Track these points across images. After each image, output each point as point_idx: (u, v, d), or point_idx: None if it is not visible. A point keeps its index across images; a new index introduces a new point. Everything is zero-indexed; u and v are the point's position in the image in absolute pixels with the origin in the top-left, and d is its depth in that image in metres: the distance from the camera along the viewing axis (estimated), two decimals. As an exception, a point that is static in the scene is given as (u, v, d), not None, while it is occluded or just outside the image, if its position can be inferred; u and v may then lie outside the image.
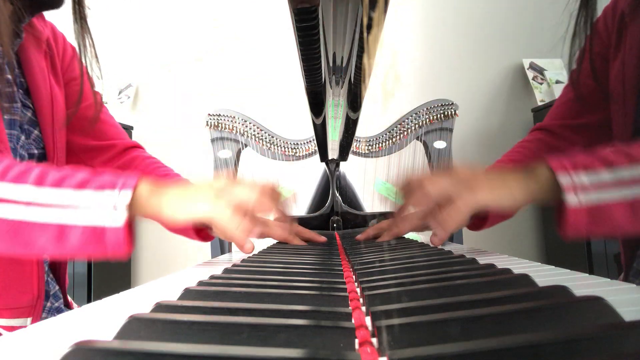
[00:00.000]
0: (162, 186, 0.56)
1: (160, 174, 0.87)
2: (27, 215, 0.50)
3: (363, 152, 1.40)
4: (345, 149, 1.10)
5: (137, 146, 0.91)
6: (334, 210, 1.23)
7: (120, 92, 2.14)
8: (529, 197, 0.54)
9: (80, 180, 0.52)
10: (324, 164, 1.26)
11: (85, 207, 0.51)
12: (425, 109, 1.41)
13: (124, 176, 0.54)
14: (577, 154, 0.54)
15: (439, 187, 0.56)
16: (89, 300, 1.81)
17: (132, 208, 0.52)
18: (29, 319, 0.70)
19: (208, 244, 1.21)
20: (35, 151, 0.75)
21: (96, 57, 0.77)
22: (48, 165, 0.54)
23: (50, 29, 0.82)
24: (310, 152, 1.40)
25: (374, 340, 0.22)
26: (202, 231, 0.72)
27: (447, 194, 0.56)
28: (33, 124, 0.75)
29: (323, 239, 0.77)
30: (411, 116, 1.41)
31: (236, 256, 0.75)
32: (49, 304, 0.74)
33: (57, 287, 0.78)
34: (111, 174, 0.54)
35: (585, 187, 0.50)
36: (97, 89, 0.83)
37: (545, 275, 0.39)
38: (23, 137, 0.73)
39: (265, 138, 1.41)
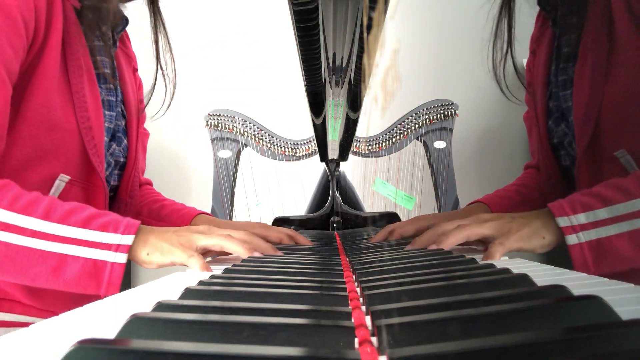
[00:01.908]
0: (149, 234, 0.59)
1: (158, 198, 0.92)
2: (29, 243, 0.52)
3: (363, 152, 1.40)
4: (345, 149, 1.10)
5: (149, 183, 0.97)
6: (334, 210, 1.23)
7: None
8: (556, 240, 0.57)
9: (86, 218, 0.55)
10: (324, 164, 1.26)
11: (89, 243, 0.54)
12: (425, 109, 1.41)
13: (126, 219, 0.57)
14: (575, 194, 0.57)
15: (476, 234, 0.59)
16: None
17: (130, 251, 0.56)
18: None
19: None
20: (122, 159, 0.80)
21: (170, 52, 0.82)
22: (53, 198, 0.57)
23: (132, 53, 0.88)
24: (310, 152, 1.40)
25: (374, 339, 0.23)
26: None
27: (484, 238, 0.59)
28: (124, 134, 0.81)
29: (309, 243, 0.77)
30: (411, 116, 1.41)
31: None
32: None
33: None
34: (114, 215, 0.58)
35: (584, 226, 0.54)
36: (169, 84, 0.86)
37: (544, 275, 0.40)
38: (114, 145, 0.77)
39: (265, 138, 1.42)
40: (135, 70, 0.87)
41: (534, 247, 0.57)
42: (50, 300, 0.68)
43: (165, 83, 0.83)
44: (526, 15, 0.77)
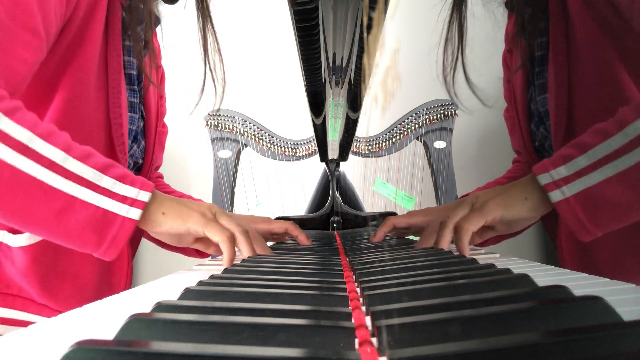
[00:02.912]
0: (165, 199, 0.55)
1: (167, 190, 0.91)
2: (42, 175, 0.46)
3: (363, 152, 1.40)
4: (345, 149, 1.10)
5: (159, 176, 0.96)
6: (334, 210, 1.23)
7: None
8: (539, 200, 0.53)
9: (104, 163, 0.51)
10: (324, 164, 1.26)
11: (104, 190, 0.49)
12: (425, 109, 1.41)
13: (141, 178, 0.53)
14: (561, 148, 0.53)
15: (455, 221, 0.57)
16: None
17: (144, 209, 0.51)
18: None
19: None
20: (140, 161, 0.78)
21: (219, 52, 0.77)
22: (67, 134, 0.51)
23: (158, 47, 0.84)
24: (310, 152, 1.40)
25: (374, 340, 0.23)
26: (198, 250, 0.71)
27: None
28: (143, 135, 0.78)
29: (308, 243, 0.76)
30: (411, 116, 1.41)
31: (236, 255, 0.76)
32: None
33: None
34: (127, 170, 0.53)
35: (567, 179, 0.49)
36: (219, 83, 0.81)
37: (545, 275, 0.40)
38: (135, 146, 0.75)
39: (265, 138, 1.41)
40: (158, 67, 0.84)
41: (518, 213, 0.53)
42: (65, 299, 0.66)
43: (215, 85, 0.80)
44: (479, 20, 0.75)
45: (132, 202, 0.50)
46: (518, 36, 0.75)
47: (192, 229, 0.54)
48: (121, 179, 0.50)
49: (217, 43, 0.77)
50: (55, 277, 0.65)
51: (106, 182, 0.49)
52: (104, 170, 0.50)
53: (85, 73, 0.61)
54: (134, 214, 0.50)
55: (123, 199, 0.50)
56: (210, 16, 0.76)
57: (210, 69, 0.77)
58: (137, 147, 0.77)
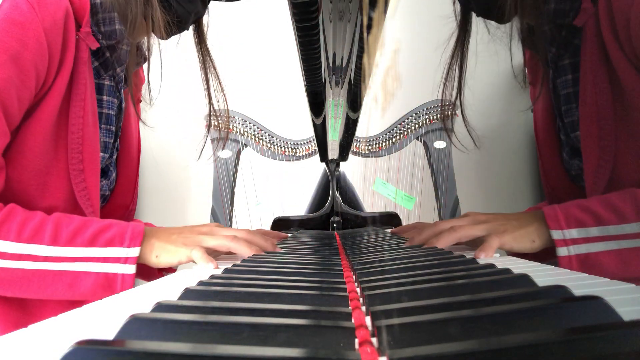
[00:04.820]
0: (154, 238, 0.61)
1: None
2: (42, 266, 0.55)
3: (363, 152, 1.40)
4: (345, 149, 1.10)
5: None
6: (334, 211, 1.23)
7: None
8: (545, 244, 0.60)
9: (91, 236, 0.57)
10: (324, 164, 1.26)
11: (98, 259, 0.57)
12: (425, 109, 1.41)
13: (129, 230, 0.59)
14: (572, 205, 0.60)
15: (467, 236, 0.61)
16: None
17: (138, 258, 0.58)
18: None
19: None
20: (107, 193, 0.79)
21: (222, 91, 0.81)
22: (57, 217, 0.58)
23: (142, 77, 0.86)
24: (310, 152, 1.40)
25: (374, 340, 0.22)
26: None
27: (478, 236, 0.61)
28: (114, 166, 0.80)
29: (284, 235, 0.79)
30: (411, 116, 1.41)
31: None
32: None
33: None
34: (117, 226, 0.59)
35: (575, 240, 0.58)
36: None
37: (545, 275, 0.39)
38: (104, 180, 0.77)
39: (265, 138, 1.41)
40: (139, 101, 0.85)
41: (522, 249, 0.60)
42: None
43: (219, 122, 0.83)
44: (483, 63, 0.77)
45: (125, 260, 0.57)
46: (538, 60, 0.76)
47: (183, 260, 0.61)
48: (110, 243, 0.57)
49: (220, 82, 0.81)
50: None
51: (97, 252, 0.57)
52: (92, 243, 0.57)
53: (45, 125, 0.62)
54: (130, 269, 0.57)
55: (117, 260, 0.57)
56: (210, 55, 0.79)
57: (213, 107, 0.81)
58: (105, 180, 0.77)
